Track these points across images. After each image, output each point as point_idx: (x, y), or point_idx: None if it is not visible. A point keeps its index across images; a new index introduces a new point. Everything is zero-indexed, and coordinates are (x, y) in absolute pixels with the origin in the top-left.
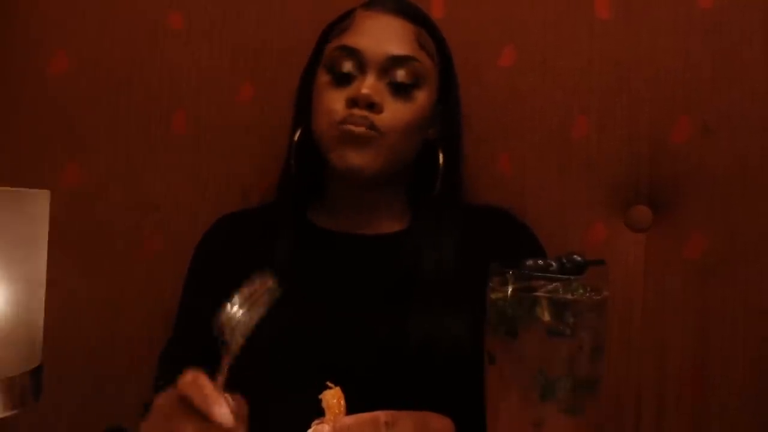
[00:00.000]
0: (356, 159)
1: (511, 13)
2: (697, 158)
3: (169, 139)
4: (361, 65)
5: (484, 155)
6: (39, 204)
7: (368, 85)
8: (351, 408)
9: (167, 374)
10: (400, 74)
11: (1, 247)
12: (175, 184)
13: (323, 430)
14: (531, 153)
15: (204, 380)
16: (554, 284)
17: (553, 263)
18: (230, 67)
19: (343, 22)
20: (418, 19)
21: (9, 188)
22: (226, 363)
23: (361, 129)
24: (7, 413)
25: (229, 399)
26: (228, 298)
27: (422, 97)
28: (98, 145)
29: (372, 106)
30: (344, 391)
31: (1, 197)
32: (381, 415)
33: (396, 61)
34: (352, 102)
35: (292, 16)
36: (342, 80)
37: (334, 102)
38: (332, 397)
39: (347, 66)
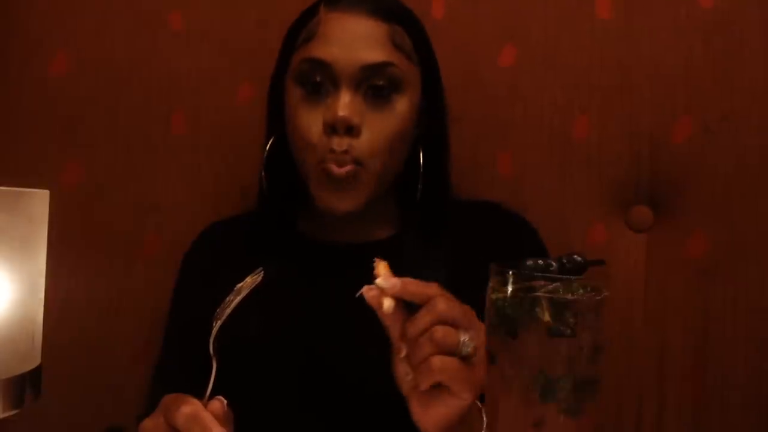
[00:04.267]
0: (340, 204)
1: (511, 12)
2: (698, 158)
3: (168, 139)
4: (333, 79)
5: (483, 155)
6: (39, 204)
7: (344, 104)
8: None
9: (160, 391)
10: (377, 83)
11: (0, 247)
12: (175, 184)
13: (373, 290)
14: (531, 153)
15: (206, 417)
16: (554, 284)
17: (554, 263)
18: (229, 68)
19: (306, 25)
20: (390, 15)
21: (9, 188)
22: (214, 369)
23: (342, 171)
24: (7, 413)
25: (224, 404)
26: (219, 305)
27: (403, 102)
28: (98, 145)
29: (350, 129)
30: (339, 400)
31: (0, 197)
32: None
33: (371, 69)
34: (331, 129)
35: (292, 16)
36: (315, 92)
37: (310, 123)
38: (383, 268)
39: (318, 79)
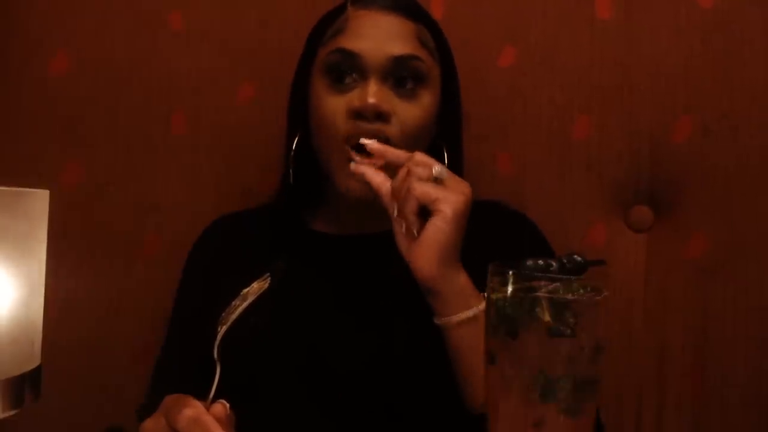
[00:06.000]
0: (363, 190)
1: (511, 12)
2: (698, 158)
3: (168, 139)
4: (362, 70)
5: (484, 155)
6: (38, 204)
7: (373, 92)
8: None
9: (161, 388)
10: (404, 75)
11: (0, 246)
12: (175, 184)
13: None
14: (531, 153)
15: (208, 421)
16: (554, 284)
17: (554, 263)
18: (229, 68)
19: (335, 22)
20: (417, 15)
21: (9, 188)
22: (217, 371)
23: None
24: (7, 413)
25: (227, 407)
26: (225, 305)
27: (428, 96)
28: (98, 145)
29: (380, 116)
30: (345, 399)
31: (0, 197)
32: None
33: (398, 61)
34: (357, 114)
35: (292, 16)
36: (341, 83)
37: (336, 111)
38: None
39: (346, 70)
